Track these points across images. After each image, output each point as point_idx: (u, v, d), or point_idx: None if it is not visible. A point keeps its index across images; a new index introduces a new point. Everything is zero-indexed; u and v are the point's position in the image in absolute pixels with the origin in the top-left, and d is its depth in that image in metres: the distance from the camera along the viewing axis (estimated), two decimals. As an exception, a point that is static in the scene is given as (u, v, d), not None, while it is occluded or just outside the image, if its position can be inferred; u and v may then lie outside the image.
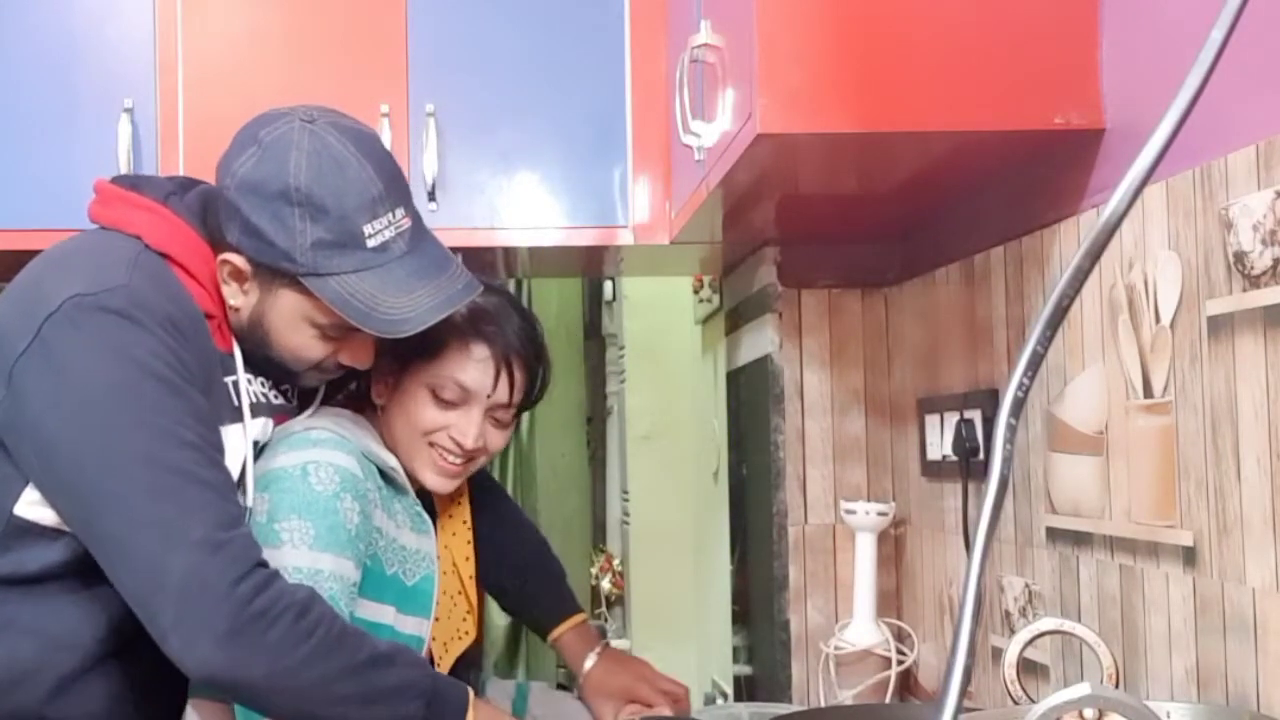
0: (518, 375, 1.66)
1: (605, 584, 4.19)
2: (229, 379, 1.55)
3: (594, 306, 4.53)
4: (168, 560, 1.35)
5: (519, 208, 2.26)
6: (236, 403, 1.55)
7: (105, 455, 1.39)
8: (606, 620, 4.08)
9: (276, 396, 1.64)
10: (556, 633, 1.95)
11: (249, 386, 1.58)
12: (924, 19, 1.46)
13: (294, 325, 1.54)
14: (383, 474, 1.62)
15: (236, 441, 1.53)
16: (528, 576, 1.99)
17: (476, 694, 1.55)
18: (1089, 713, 0.81)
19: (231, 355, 1.57)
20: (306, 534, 1.49)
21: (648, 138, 2.23)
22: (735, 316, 2.64)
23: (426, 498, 1.74)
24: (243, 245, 1.51)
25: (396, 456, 1.66)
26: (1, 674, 1.49)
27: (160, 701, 1.56)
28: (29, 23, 2.23)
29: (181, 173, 2.07)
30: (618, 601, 4.17)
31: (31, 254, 1.58)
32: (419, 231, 1.55)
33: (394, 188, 1.53)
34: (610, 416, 4.37)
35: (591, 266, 2.93)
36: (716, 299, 2.87)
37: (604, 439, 4.54)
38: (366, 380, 1.68)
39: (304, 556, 1.48)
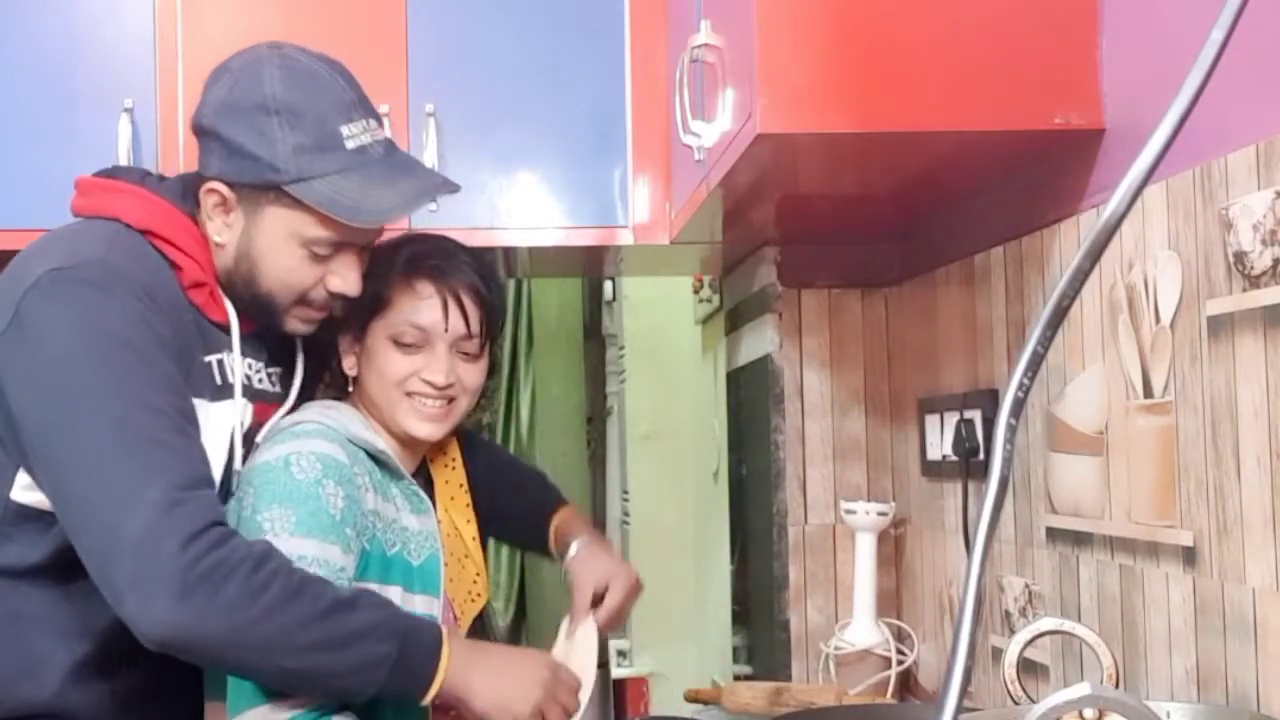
0: (469, 305, 1.67)
1: (605, 584, 4.18)
2: (214, 356, 1.55)
3: (594, 306, 4.53)
4: (124, 521, 1.35)
5: (519, 208, 2.26)
6: (221, 380, 1.54)
7: (71, 420, 1.40)
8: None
9: (262, 381, 1.63)
10: (553, 532, 1.93)
11: (241, 369, 1.57)
12: (924, 19, 1.46)
13: (282, 246, 1.53)
14: (375, 459, 1.63)
15: (222, 418, 1.53)
16: (525, 495, 2.00)
17: None
18: (1089, 713, 0.81)
19: (226, 329, 1.56)
20: (288, 521, 1.50)
21: (648, 138, 2.23)
22: (735, 316, 2.64)
23: (423, 474, 1.76)
24: (225, 171, 1.53)
25: (381, 422, 1.67)
26: (10, 666, 1.49)
27: (174, 696, 1.56)
28: (29, 23, 2.23)
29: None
30: (618, 601, 4.16)
31: (32, 254, 1.59)
32: (393, 145, 1.60)
33: (365, 102, 1.57)
34: (610, 416, 4.36)
35: (591, 266, 2.93)
36: (716, 299, 2.87)
37: (604, 439, 4.54)
38: (338, 362, 1.71)
39: (286, 543, 1.48)
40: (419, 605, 1.62)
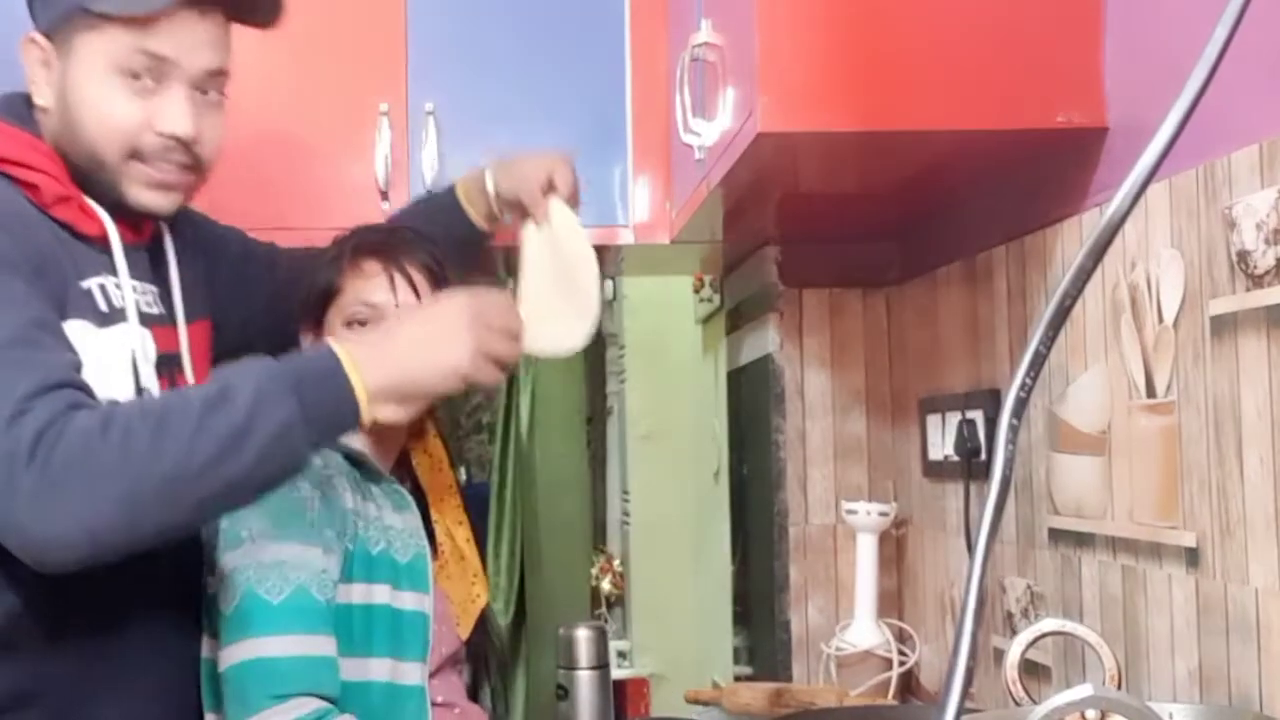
0: (418, 279, 1.68)
1: (605, 584, 4.19)
2: (93, 280, 1.44)
3: (594, 306, 4.52)
4: None
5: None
6: (108, 306, 1.44)
7: None
8: (606, 620, 4.07)
9: (151, 305, 1.52)
10: (460, 191, 1.88)
11: (130, 293, 1.46)
12: (925, 18, 1.46)
13: (97, 79, 1.43)
14: (352, 460, 1.63)
15: (113, 343, 1.43)
16: (429, 205, 1.93)
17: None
18: (1091, 714, 0.81)
19: (106, 250, 1.46)
20: (265, 526, 1.51)
21: (648, 137, 2.23)
22: (736, 316, 2.63)
23: (411, 478, 1.76)
24: (36, 20, 1.47)
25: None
26: None
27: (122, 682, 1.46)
28: (29, 23, 2.22)
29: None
30: (618, 602, 4.16)
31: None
32: None
33: None
34: (610, 416, 4.36)
35: (592, 266, 2.92)
36: (717, 299, 2.86)
37: (604, 439, 4.54)
38: None
39: (265, 550, 1.49)
40: (409, 602, 1.62)
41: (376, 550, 1.61)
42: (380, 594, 1.59)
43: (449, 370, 1.40)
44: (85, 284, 1.43)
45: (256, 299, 1.75)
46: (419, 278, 1.68)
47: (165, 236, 1.58)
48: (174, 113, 1.45)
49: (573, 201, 1.73)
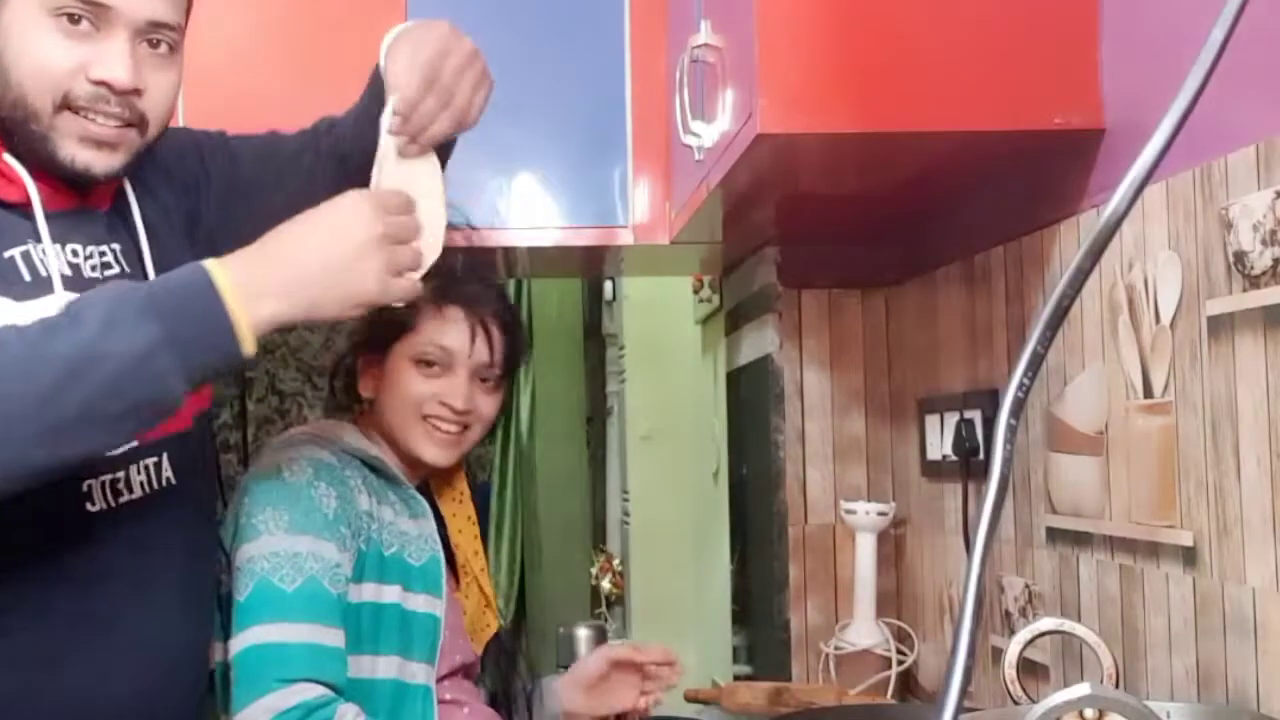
0: (494, 333, 1.70)
1: (605, 584, 4.19)
2: (15, 250, 1.30)
3: (594, 306, 4.53)
4: None
5: (519, 208, 2.26)
6: (32, 276, 1.30)
7: None
8: (607, 620, 4.07)
9: (99, 268, 1.37)
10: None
11: (55, 259, 1.32)
12: (924, 19, 1.46)
13: (32, 20, 1.29)
14: (371, 466, 1.65)
15: (32, 317, 1.25)
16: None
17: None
18: (1089, 713, 0.81)
19: (28, 215, 1.32)
20: (281, 520, 1.53)
21: (648, 138, 2.23)
22: (735, 317, 2.64)
23: (428, 495, 1.77)
24: None
25: (392, 444, 1.69)
26: None
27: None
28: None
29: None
30: (618, 601, 4.16)
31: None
32: None
33: None
34: (610, 416, 4.36)
35: (591, 266, 2.92)
36: (716, 299, 2.87)
37: (604, 439, 4.54)
38: (349, 383, 1.73)
39: (281, 541, 1.51)
40: (420, 604, 1.64)
41: (389, 553, 1.62)
42: (390, 594, 1.61)
43: (356, 301, 1.26)
44: (7, 254, 1.30)
45: (257, 203, 1.55)
46: (496, 333, 1.70)
47: (126, 188, 1.43)
48: (110, 59, 1.30)
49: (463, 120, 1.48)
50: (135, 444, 1.33)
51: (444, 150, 1.52)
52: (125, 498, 1.36)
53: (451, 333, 1.68)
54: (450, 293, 1.69)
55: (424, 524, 1.68)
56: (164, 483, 1.40)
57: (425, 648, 1.63)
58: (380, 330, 1.67)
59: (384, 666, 1.59)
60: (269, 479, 1.57)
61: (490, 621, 1.84)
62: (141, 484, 1.38)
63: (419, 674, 1.62)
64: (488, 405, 1.72)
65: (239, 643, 1.49)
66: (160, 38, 1.34)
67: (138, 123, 1.34)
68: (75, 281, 1.32)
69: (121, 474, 1.36)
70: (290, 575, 1.50)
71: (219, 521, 1.58)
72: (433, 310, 1.68)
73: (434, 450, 1.68)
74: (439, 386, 1.68)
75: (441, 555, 1.69)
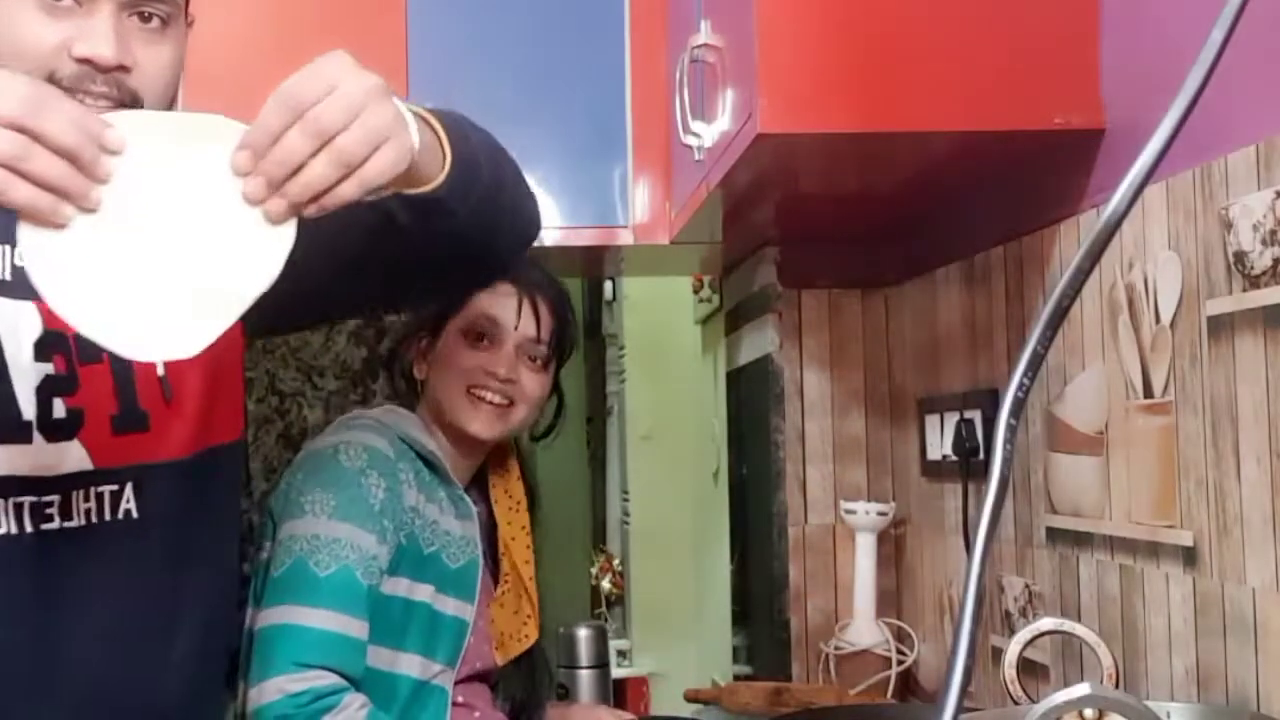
0: (542, 310, 1.73)
1: (605, 584, 4.18)
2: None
3: (594, 306, 4.52)
4: None
5: (519, 208, 2.26)
6: (12, 275, 1.20)
7: None
8: (607, 620, 4.07)
9: None
10: None
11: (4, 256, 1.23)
12: (924, 19, 1.46)
13: (13, 4, 1.20)
14: (426, 461, 1.66)
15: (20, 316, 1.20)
16: None
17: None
18: (1089, 713, 0.81)
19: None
20: (327, 504, 1.55)
21: (648, 138, 2.23)
22: (735, 316, 2.64)
23: (485, 500, 1.80)
24: None
25: (442, 425, 1.71)
26: None
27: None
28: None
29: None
30: (618, 601, 4.16)
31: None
32: None
33: None
34: (610, 416, 4.36)
35: (591, 266, 2.92)
36: (716, 299, 2.87)
37: (604, 439, 4.53)
38: (405, 371, 1.76)
39: (323, 525, 1.54)
40: (450, 608, 1.65)
41: (428, 551, 1.63)
42: (423, 592, 1.62)
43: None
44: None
45: None
46: (544, 309, 1.73)
47: None
48: (95, 34, 1.19)
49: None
50: (88, 467, 1.22)
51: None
52: (52, 525, 1.21)
53: (500, 304, 1.71)
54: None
55: (468, 526, 1.69)
56: (120, 515, 1.25)
57: (449, 651, 1.64)
58: (433, 310, 1.71)
59: (405, 663, 1.60)
60: (324, 459, 1.60)
61: (531, 633, 1.85)
62: (87, 512, 1.23)
63: (438, 675, 1.63)
64: (533, 384, 1.73)
65: (265, 618, 1.52)
66: (151, 10, 1.23)
67: (130, 102, 1.21)
68: (18, 286, 1.20)
69: (54, 498, 1.21)
70: (326, 561, 1.53)
71: (230, 568, 1.45)
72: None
73: (479, 423, 1.69)
74: (485, 358, 1.70)
75: (481, 560, 1.70)
